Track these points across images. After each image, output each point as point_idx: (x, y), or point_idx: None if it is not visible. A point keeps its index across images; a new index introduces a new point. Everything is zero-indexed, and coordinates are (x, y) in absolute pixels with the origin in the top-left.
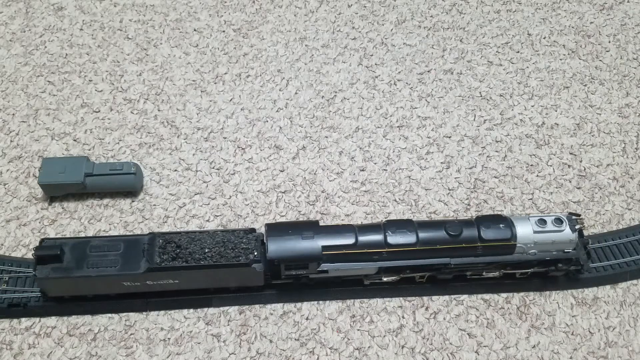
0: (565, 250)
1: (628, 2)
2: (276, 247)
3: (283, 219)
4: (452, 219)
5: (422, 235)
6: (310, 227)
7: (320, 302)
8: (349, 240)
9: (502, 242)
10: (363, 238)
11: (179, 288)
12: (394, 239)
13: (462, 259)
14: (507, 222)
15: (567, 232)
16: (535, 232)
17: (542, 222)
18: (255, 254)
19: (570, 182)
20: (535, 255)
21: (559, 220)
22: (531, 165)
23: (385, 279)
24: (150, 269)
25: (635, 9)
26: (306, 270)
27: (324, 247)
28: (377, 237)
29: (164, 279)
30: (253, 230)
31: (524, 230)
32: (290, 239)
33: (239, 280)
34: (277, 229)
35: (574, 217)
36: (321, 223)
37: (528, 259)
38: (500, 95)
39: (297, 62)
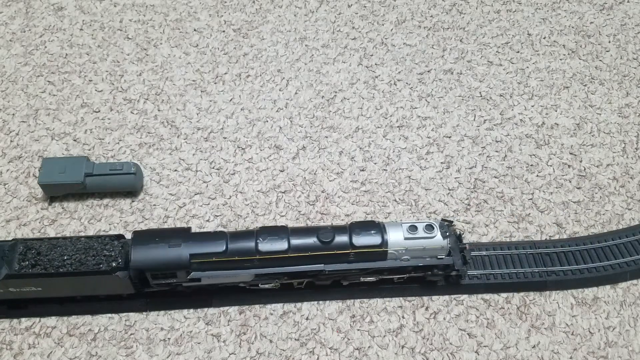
0: (439, 257)
1: (628, 2)
2: (140, 255)
3: (283, 219)
4: (326, 226)
5: (294, 242)
6: (179, 235)
7: (320, 302)
8: (219, 248)
9: (373, 249)
10: (234, 245)
11: (44, 296)
12: (265, 246)
13: (336, 265)
14: (379, 228)
15: (437, 239)
16: (406, 238)
17: (413, 228)
18: (120, 261)
19: (570, 182)
20: (408, 261)
21: (430, 227)
22: (531, 165)
23: (262, 286)
24: (9, 276)
25: (635, 9)
26: (176, 279)
27: (193, 255)
28: (248, 245)
29: (25, 286)
30: (121, 236)
31: (395, 237)
32: (156, 247)
33: (106, 288)
34: (144, 237)
35: (446, 223)
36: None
37: (402, 265)
38: (500, 95)
39: (297, 62)
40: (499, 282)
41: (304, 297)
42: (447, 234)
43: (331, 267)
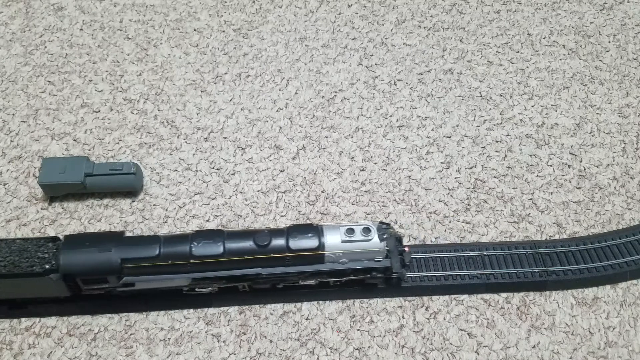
0: (376, 259)
1: (628, 2)
2: (69, 260)
3: (283, 219)
4: (263, 229)
5: (230, 245)
6: (111, 239)
7: (320, 302)
8: (151, 253)
9: (310, 252)
10: (167, 250)
11: None
12: (199, 250)
13: (274, 269)
14: (316, 231)
15: (374, 241)
16: (343, 241)
17: (351, 231)
18: (53, 263)
19: (570, 182)
20: (346, 264)
21: (367, 230)
22: (531, 165)
23: (200, 290)
24: None
25: (635, 9)
26: (107, 284)
27: (124, 260)
28: (182, 249)
29: None
30: (56, 239)
31: (333, 240)
32: (86, 252)
33: (41, 291)
34: (75, 241)
35: (384, 226)
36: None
37: (340, 268)
38: (500, 95)
39: (297, 62)
40: (499, 282)
41: (304, 297)
42: (385, 236)
43: (268, 271)
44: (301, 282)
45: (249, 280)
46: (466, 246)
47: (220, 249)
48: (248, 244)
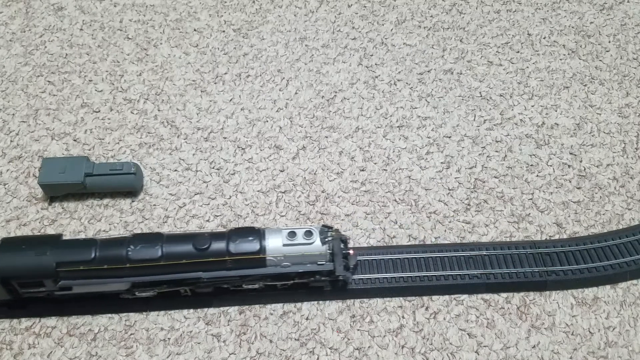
0: (319, 263)
1: (628, 2)
2: (4, 263)
3: (283, 219)
4: (203, 232)
5: (168, 249)
6: (48, 242)
7: (320, 302)
8: (87, 256)
9: (250, 256)
10: (103, 253)
11: None
12: (136, 253)
13: (215, 273)
14: (258, 234)
15: (316, 245)
16: (284, 245)
17: (293, 234)
18: None
19: (570, 182)
20: (289, 267)
21: (309, 233)
22: (531, 165)
23: (141, 295)
24: None
25: (635, 9)
26: (44, 287)
27: (59, 264)
28: (118, 253)
29: None
30: None
31: (274, 243)
32: (22, 255)
33: None
34: (11, 244)
35: (327, 229)
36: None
37: (282, 272)
38: (500, 95)
39: (297, 62)
40: (499, 282)
41: (304, 297)
42: (326, 240)
43: (209, 275)
44: (245, 286)
45: (190, 284)
46: (466, 246)
47: (158, 253)
48: (187, 247)
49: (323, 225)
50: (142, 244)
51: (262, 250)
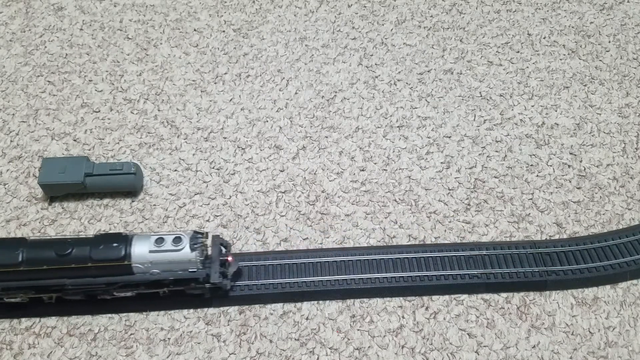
0: (190, 270)
1: (628, 2)
2: None
3: (283, 219)
4: (66, 238)
5: (30, 255)
6: None
7: (320, 302)
8: None
9: (114, 262)
10: None
11: None
12: None
13: (80, 280)
14: (124, 241)
15: (185, 252)
16: (151, 251)
17: (161, 240)
18: None
19: (570, 182)
20: (158, 274)
21: (178, 239)
22: (531, 165)
23: (9, 300)
24: None
25: (635, 9)
26: None
27: None
28: None
29: None
30: None
31: (141, 250)
32: None
33: None
34: None
35: (198, 235)
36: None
37: (151, 279)
38: (500, 95)
39: (297, 62)
40: (499, 282)
41: (304, 297)
42: (196, 246)
43: (74, 281)
44: (116, 294)
45: (56, 290)
46: (466, 246)
47: (19, 258)
48: (49, 253)
49: (194, 231)
50: (2, 249)
51: (127, 256)
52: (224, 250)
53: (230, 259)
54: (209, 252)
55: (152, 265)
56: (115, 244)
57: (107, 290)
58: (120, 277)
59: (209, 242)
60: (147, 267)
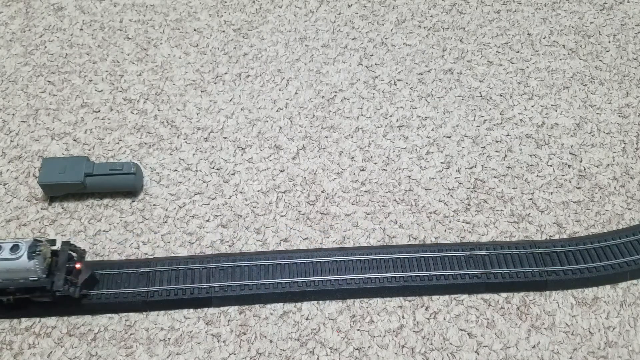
0: (31, 278)
1: (628, 2)
2: None
3: (283, 219)
4: None
5: None
6: None
7: (320, 302)
8: None
9: None
10: None
11: None
12: None
13: None
14: None
15: (22, 260)
16: None
17: None
18: None
19: (570, 182)
20: (0, 283)
21: (16, 247)
22: (531, 165)
23: None
24: None
25: (635, 9)
26: None
27: None
28: None
29: None
30: None
31: None
32: None
33: None
34: None
35: (38, 243)
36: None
37: None
38: (500, 95)
39: (297, 62)
40: (499, 282)
41: (304, 297)
42: (34, 254)
43: None
44: None
45: None
46: (466, 246)
47: None
48: None
49: (34, 239)
50: None
51: None
52: (75, 256)
53: (78, 266)
54: (58, 260)
55: None
56: None
57: None
58: None
59: (57, 248)
60: None
